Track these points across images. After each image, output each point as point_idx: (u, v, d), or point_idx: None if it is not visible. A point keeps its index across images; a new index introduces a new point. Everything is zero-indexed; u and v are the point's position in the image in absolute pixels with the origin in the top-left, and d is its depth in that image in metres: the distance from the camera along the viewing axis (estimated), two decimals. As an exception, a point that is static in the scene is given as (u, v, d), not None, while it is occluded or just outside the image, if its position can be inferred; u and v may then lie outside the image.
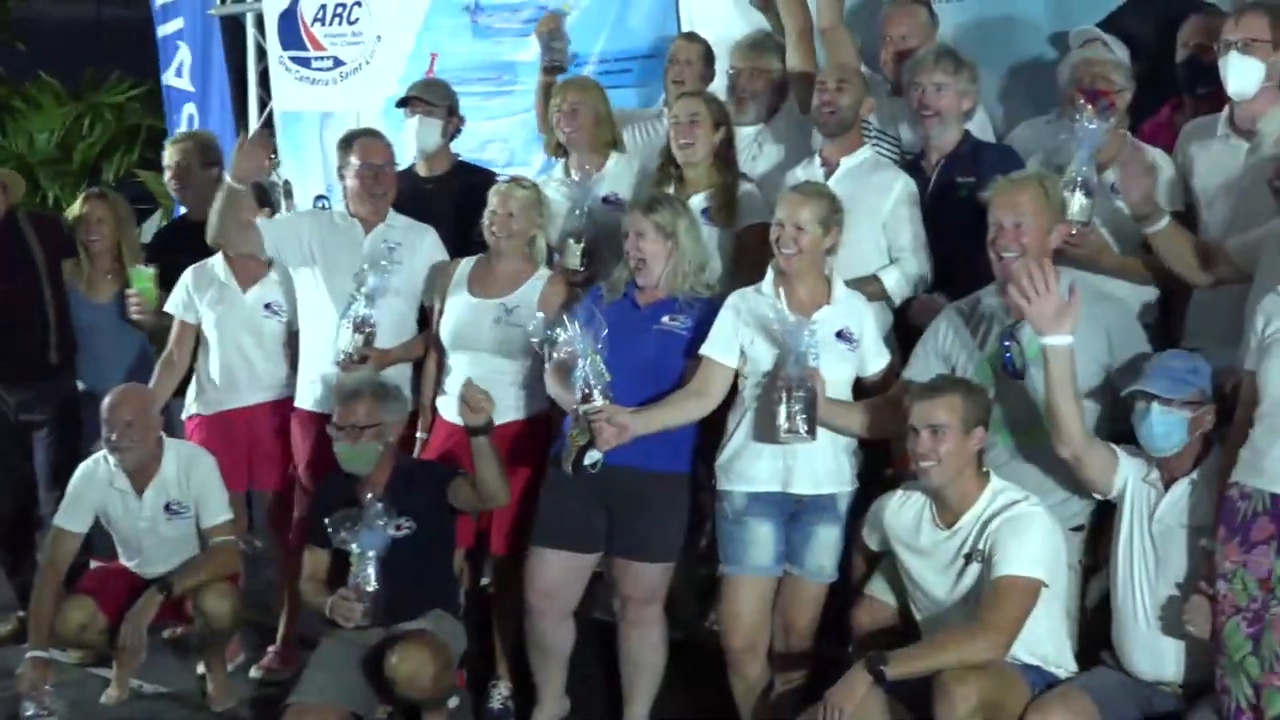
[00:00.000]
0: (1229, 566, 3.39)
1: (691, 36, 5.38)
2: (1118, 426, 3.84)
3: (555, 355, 4.16)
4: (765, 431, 4.02)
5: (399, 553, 4.25)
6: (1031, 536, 3.65)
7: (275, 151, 6.77)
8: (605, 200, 4.83)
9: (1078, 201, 3.98)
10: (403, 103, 5.31)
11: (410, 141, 5.23)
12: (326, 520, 4.29)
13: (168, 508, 4.74)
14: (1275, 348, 3.35)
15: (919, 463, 3.74)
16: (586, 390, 4.01)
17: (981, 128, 4.76)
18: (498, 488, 4.29)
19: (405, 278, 4.81)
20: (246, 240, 4.88)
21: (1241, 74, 4.04)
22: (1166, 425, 3.58)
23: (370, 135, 4.99)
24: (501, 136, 6.31)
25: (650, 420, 4.09)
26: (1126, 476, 3.74)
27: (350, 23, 6.98)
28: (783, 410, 3.89)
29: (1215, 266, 3.93)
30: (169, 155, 5.68)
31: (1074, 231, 3.95)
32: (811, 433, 3.92)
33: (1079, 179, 3.99)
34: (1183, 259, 3.98)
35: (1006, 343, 3.88)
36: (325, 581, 4.45)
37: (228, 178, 4.73)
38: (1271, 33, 4.03)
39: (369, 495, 4.28)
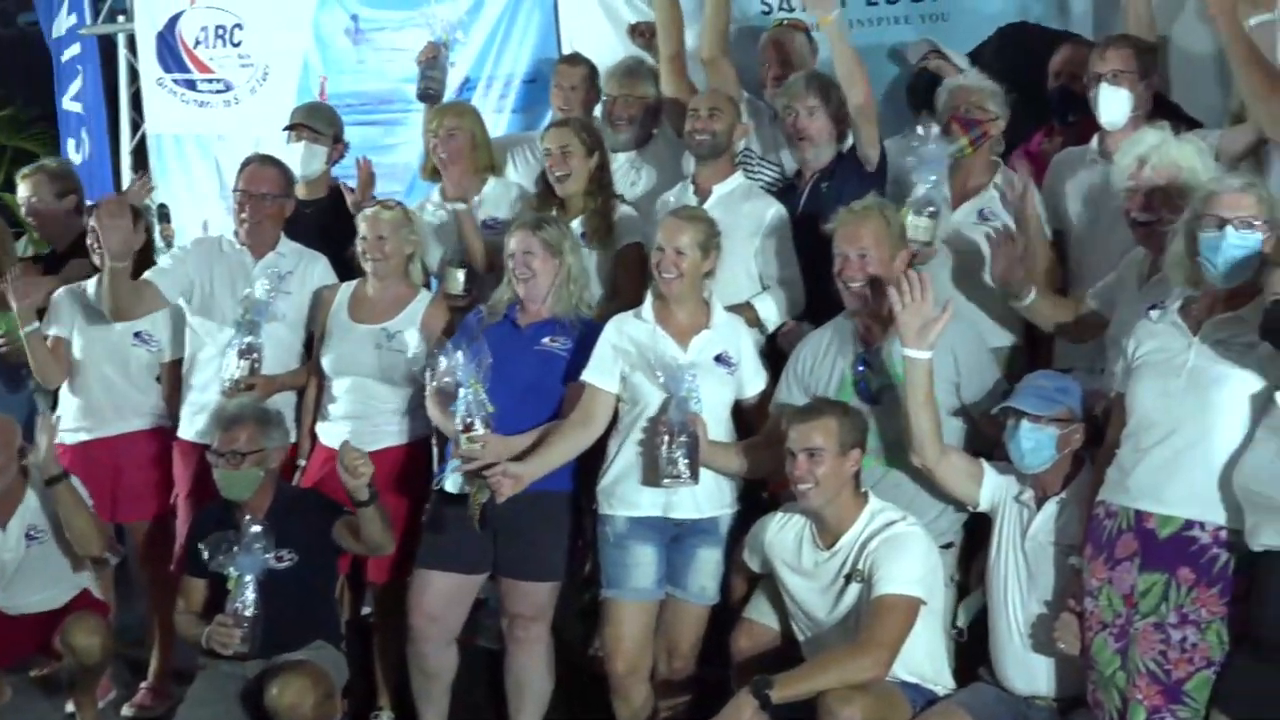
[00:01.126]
0: (1095, 583, 3.45)
1: (574, 59, 5.39)
2: (983, 447, 3.93)
3: (437, 383, 4.14)
4: (648, 474, 4.05)
5: (280, 583, 4.17)
6: (910, 555, 3.70)
7: (148, 175, 6.67)
8: (485, 224, 4.81)
9: (924, 222, 4.09)
10: (288, 128, 5.25)
11: (295, 166, 5.17)
12: (201, 544, 4.19)
13: (28, 535, 4.58)
14: (1143, 370, 3.43)
15: (797, 485, 3.78)
16: (468, 420, 4.01)
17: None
18: (383, 541, 4.24)
19: (294, 305, 4.76)
20: (146, 304, 4.78)
21: (1112, 104, 4.17)
22: (1034, 441, 3.65)
23: (261, 162, 4.91)
24: (403, 163, 6.25)
25: (542, 464, 4.12)
26: (995, 491, 3.81)
27: (234, 45, 6.90)
28: (664, 454, 3.94)
29: (1081, 326, 4.07)
30: (20, 190, 5.51)
31: (917, 251, 4.06)
32: (694, 477, 3.97)
33: (924, 200, 4.10)
34: (1054, 322, 4.13)
35: (860, 368, 3.99)
36: (201, 613, 4.35)
37: (107, 260, 4.58)
38: (1137, 63, 4.17)
39: (247, 518, 4.20)
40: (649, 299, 4.18)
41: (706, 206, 4.50)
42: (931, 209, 4.12)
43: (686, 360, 4.05)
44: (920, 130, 4.22)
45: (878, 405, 3.94)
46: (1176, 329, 3.41)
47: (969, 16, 5.11)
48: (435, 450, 4.63)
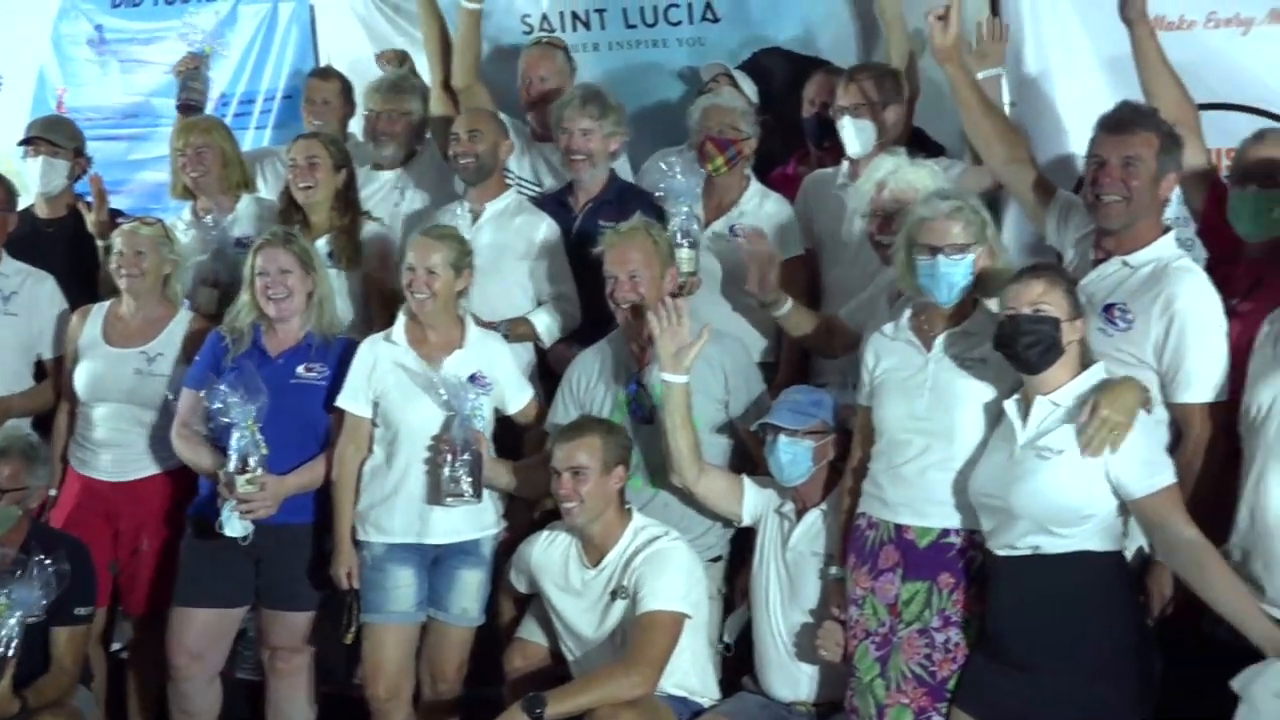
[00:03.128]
0: (859, 592, 3.55)
1: (326, 74, 5.33)
2: (750, 464, 4.02)
3: (213, 422, 4.05)
4: (430, 492, 4.02)
5: (28, 633, 3.87)
6: (673, 570, 3.75)
7: None
8: (239, 243, 4.68)
9: (684, 255, 4.17)
10: (25, 142, 5.00)
11: (33, 182, 4.94)
12: None
13: None
14: (887, 390, 3.55)
15: (562, 504, 3.80)
16: (243, 462, 3.96)
17: (621, 169, 4.88)
18: None
19: (19, 328, 4.55)
20: None
21: (857, 136, 4.33)
22: (792, 454, 3.75)
23: None
24: (153, 180, 6.01)
25: (346, 516, 4.10)
26: (757, 506, 3.90)
27: (-36, 53, 6.54)
28: (447, 471, 3.91)
29: (834, 338, 4.18)
30: None
31: (682, 284, 4.13)
32: (476, 494, 3.94)
33: (681, 232, 4.18)
34: (808, 336, 4.22)
35: (633, 388, 4.03)
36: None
37: None
38: (878, 94, 4.34)
39: (39, 557, 3.84)
40: (401, 319, 4.14)
41: (479, 224, 4.53)
42: (689, 240, 4.20)
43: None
44: (669, 160, 4.30)
45: (651, 424, 3.99)
46: (912, 347, 3.53)
47: (726, 41, 5.21)
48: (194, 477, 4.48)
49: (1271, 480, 3.13)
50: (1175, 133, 3.53)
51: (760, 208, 4.47)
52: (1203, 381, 3.36)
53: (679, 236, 4.17)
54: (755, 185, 4.53)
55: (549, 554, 3.93)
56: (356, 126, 5.23)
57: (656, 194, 4.35)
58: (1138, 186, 3.45)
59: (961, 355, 3.45)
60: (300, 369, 4.18)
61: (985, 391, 3.41)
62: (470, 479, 3.92)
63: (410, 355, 4.09)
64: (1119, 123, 3.51)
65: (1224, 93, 4.24)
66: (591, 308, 4.46)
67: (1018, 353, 3.24)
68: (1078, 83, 4.41)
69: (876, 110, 4.33)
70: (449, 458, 3.92)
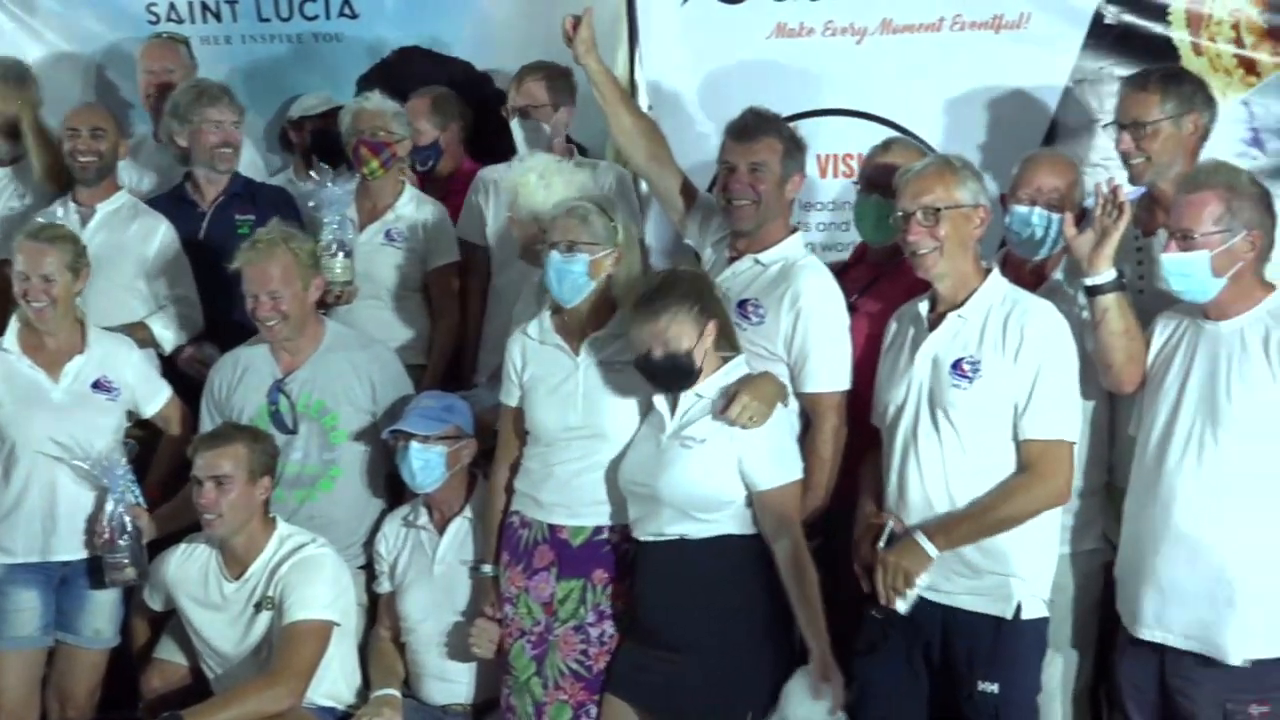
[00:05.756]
0: (514, 591, 3.59)
1: None
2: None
3: None
4: (95, 576, 3.88)
5: None
6: (320, 578, 3.70)
7: None
8: None
9: (339, 263, 4.14)
10: None
11: None
12: None
13: None
14: (538, 394, 3.60)
15: (203, 515, 3.68)
16: None
17: (254, 168, 4.78)
18: None
19: None
20: None
21: (532, 138, 4.34)
22: (424, 460, 3.73)
23: None
24: None
25: None
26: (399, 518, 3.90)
27: None
28: (110, 558, 3.80)
29: None
30: None
31: (339, 293, 4.10)
32: (143, 573, 3.81)
33: (335, 242, 4.14)
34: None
35: (275, 396, 3.93)
36: None
37: None
38: (550, 96, 4.36)
39: None
40: (13, 325, 3.94)
41: (91, 226, 4.34)
42: (345, 249, 4.15)
43: (60, 389, 3.88)
44: (321, 168, 4.25)
45: (294, 434, 3.91)
46: (560, 350, 3.60)
47: (364, 38, 5.12)
48: None
49: (910, 475, 3.35)
50: (798, 137, 3.72)
51: (416, 212, 4.46)
52: (828, 372, 3.55)
53: (334, 246, 4.14)
54: (410, 190, 4.51)
55: (186, 568, 3.80)
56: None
57: (310, 204, 4.27)
58: (765, 190, 3.62)
59: (609, 359, 3.54)
60: None
61: (636, 388, 3.50)
62: (133, 560, 3.80)
63: (25, 363, 3.90)
64: (744, 130, 3.67)
65: (840, 99, 4.51)
66: (220, 312, 4.34)
67: (660, 385, 3.39)
68: (711, 88, 4.58)
69: (549, 111, 4.35)
70: (106, 539, 3.78)
